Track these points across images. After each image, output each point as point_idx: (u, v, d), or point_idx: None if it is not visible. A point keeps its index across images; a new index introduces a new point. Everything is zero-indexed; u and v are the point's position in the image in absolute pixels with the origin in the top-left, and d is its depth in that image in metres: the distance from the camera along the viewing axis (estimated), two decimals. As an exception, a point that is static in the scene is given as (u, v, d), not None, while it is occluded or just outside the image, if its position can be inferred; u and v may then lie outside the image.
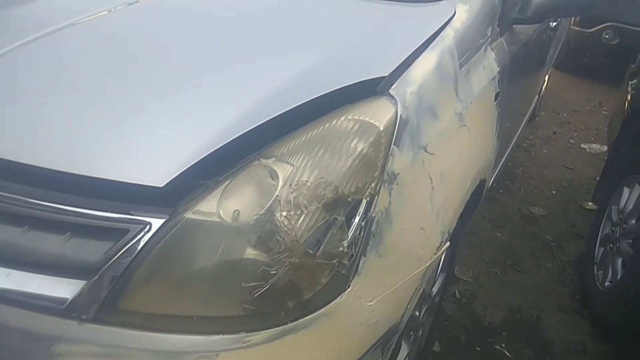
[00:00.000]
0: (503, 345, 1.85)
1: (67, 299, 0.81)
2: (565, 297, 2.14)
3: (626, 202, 2.03)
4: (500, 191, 2.91)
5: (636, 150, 2.10)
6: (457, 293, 2.07)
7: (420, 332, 1.52)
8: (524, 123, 2.63)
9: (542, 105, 3.99)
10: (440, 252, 1.07)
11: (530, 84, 2.46)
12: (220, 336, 0.81)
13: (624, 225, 1.99)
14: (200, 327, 0.81)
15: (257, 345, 0.82)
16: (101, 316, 0.80)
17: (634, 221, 1.94)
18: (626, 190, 2.05)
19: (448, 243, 1.11)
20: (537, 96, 3.14)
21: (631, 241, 1.91)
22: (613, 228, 2.09)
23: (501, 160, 2.00)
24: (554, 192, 3.02)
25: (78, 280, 0.82)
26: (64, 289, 0.82)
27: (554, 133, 3.87)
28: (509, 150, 2.19)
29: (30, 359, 0.82)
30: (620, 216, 2.04)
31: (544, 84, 3.45)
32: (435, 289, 1.53)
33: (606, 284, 1.98)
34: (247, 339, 0.81)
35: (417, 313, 1.37)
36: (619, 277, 1.90)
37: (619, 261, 1.94)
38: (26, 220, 0.84)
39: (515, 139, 2.36)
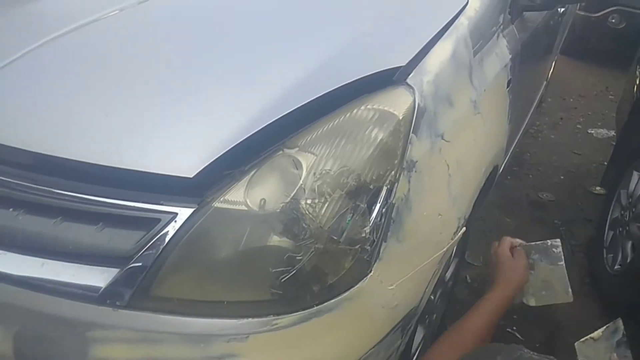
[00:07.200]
0: (514, 328, 1.89)
1: (101, 287, 0.84)
2: (575, 281, 2.14)
3: (636, 186, 2.04)
4: (509, 177, 2.92)
5: (646, 134, 2.12)
6: (467, 277, 2.09)
7: (435, 316, 1.56)
8: (532, 109, 2.64)
9: (549, 91, 3.98)
10: (456, 237, 1.10)
11: (539, 70, 2.46)
12: (250, 319, 0.84)
13: (634, 209, 2.01)
14: (230, 311, 0.84)
15: (285, 328, 0.85)
16: (135, 302, 0.83)
17: (644, 204, 1.96)
18: (635, 174, 2.07)
19: (464, 228, 1.14)
20: (545, 82, 3.13)
21: (641, 224, 1.93)
22: (622, 212, 2.11)
23: (512, 146, 2.02)
24: (562, 177, 3.03)
25: (111, 268, 0.85)
26: (97, 277, 0.85)
27: (561, 119, 3.87)
28: (518, 136, 2.21)
29: (66, 346, 0.85)
30: (630, 200, 2.06)
31: (551, 69, 3.44)
32: (449, 274, 1.56)
33: (616, 267, 2.00)
34: (275, 322, 0.84)
35: (433, 297, 1.40)
36: (629, 260, 1.93)
37: (629, 244, 1.96)
38: (59, 211, 0.87)
39: (524, 125, 2.37)
